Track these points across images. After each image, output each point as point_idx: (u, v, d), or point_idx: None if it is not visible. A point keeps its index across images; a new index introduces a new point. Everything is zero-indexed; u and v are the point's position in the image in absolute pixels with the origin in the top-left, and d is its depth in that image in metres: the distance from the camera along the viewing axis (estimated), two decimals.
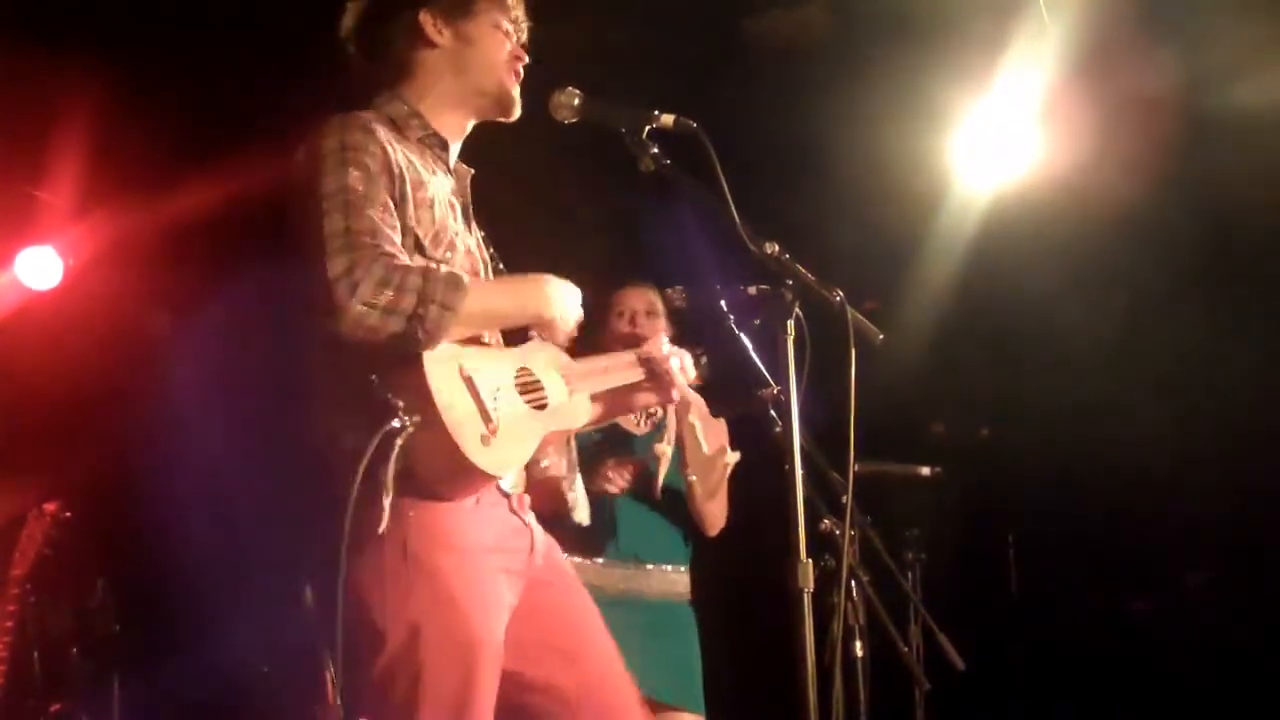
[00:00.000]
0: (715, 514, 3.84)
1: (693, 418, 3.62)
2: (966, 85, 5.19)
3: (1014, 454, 5.84)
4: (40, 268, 5.74)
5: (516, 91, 2.80)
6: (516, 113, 2.82)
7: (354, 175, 2.51)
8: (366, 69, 2.80)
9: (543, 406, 2.68)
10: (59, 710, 5.12)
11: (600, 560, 3.76)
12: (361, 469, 2.39)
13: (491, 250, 2.87)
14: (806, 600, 2.54)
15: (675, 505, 3.85)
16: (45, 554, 4.85)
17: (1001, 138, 5.32)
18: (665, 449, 3.65)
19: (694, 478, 3.70)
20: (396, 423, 2.39)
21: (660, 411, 3.79)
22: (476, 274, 2.72)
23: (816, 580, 2.56)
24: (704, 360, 3.44)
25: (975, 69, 5.12)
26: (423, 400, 2.43)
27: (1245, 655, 5.17)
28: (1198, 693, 5.19)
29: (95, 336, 5.71)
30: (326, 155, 2.53)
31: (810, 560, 2.55)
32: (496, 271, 2.85)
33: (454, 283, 2.48)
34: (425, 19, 2.74)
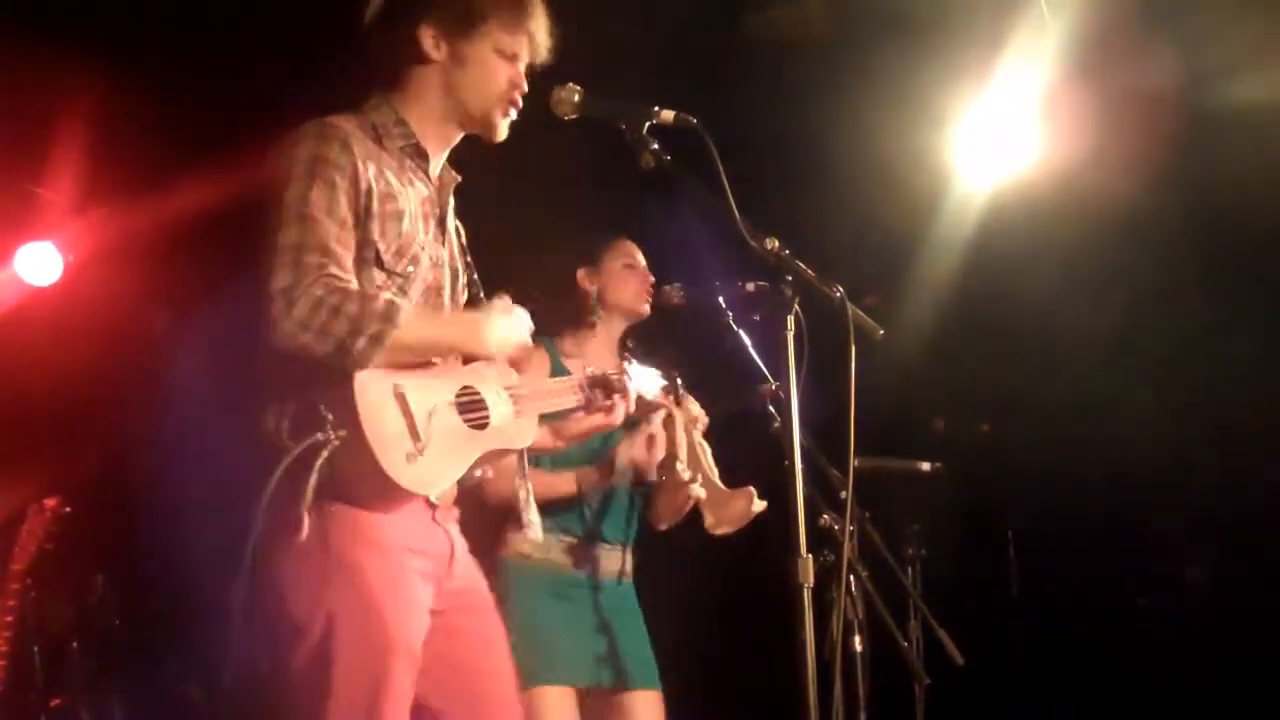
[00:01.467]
0: (673, 518, 3.81)
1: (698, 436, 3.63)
2: (966, 81, 5.19)
3: (1014, 450, 5.84)
4: (40, 264, 5.74)
5: (504, 125, 2.80)
6: (500, 139, 2.82)
7: (317, 189, 2.55)
8: (368, 69, 2.81)
9: (482, 426, 2.71)
10: (59, 705, 5.12)
11: (559, 538, 3.69)
12: (280, 470, 2.46)
13: (468, 259, 2.89)
14: (806, 595, 2.54)
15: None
16: (45, 549, 4.85)
17: (1001, 134, 5.32)
18: (698, 491, 3.62)
19: (701, 493, 3.66)
20: (321, 435, 2.46)
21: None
22: (439, 288, 2.77)
23: (816, 575, 2.57)
24: (677, 380, 3.46)
25: (975, 65, 5.12)
26: (350, 415, 2.48)
27: (1245, 651, 5.17)
28: (1197, 689, 5.20)
29: (95, 333, 5.71)
30: (295, 164, 2.57)
31: (810, 556, 2.56)
32: (470, 283, 2.88)
33: (389, 316, 2.52)
34: (425, 33, 2.73)
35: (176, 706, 5.40)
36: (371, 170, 2.63)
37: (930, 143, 5.38)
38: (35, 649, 5.05)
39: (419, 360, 2.64)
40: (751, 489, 3.59)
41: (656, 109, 2.68)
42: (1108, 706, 5.40)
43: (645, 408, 3.38)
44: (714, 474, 3.65)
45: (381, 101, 2.76)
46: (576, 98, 2.75)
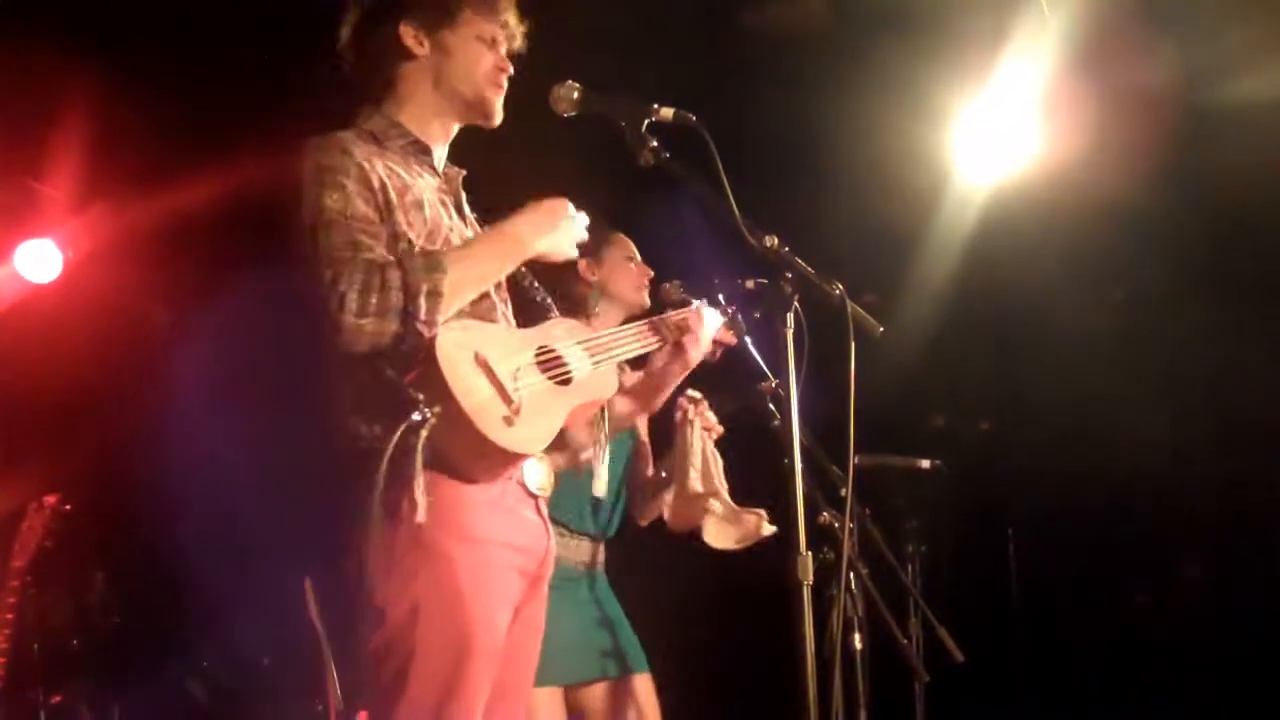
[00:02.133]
0: (653, 514, 3.84)
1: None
2: (966, 78, 5.18)
3: (1014, 447, 5.84)
4: (40, 261, 5.74)
5: (498, 102, 2.83)
6: (497, 121, 2.85)
7: (330, 196, 2.57)
8: (356, 81, 2.84)
9: (567, 381, 2.71)
10: (59, 703, 5.13)
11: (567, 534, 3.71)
12: (385, 463, 2.42)
13: None
14: (806, 593, 2.54)
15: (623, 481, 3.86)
16: (45, 546, 4.85)
17: (1001, 131, 5.32)
18: (715, 508, 3.60)
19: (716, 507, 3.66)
20: (418, 415, 2.43)
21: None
22: None
23: (816, 573, 2.56)
24: (736, 315, 3.45)
25: (975, 62, 5.11)
26: (440, 390, 2.46)
27: (1243, 648, 5.17)
28: (1196, 686, 5.20)
29: (95, 330, 5.71)
30: (303, 180, 2.60)
31: (810, 553, 2.56)
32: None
33: (433, 264, 2.53)
34: (405, 30, 2.77)
35: (177, 704, 5.40)
36: (380, 167, 2.65)
37: (930, 139, 5.38)
38: (35, 646, 5.05)
39: (480, 292, 2.66)
40: (762, 511, 3.59)
41: (655, 106, 2.68)
42: (1107, 703, 5.40)
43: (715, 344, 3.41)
44: (724, 488, 3.66)
45: (373, 112, 2.80)
46: (575, 95, 2.76)
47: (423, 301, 2.49)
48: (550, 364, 2.70)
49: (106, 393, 5.69)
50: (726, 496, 3.64)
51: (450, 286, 2.53)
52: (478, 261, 2.66)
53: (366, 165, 2.63)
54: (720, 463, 3.69)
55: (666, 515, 3.73)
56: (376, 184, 2.62)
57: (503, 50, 2.82)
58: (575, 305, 3.85)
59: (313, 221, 2.56)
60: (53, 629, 5.20)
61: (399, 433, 2.43)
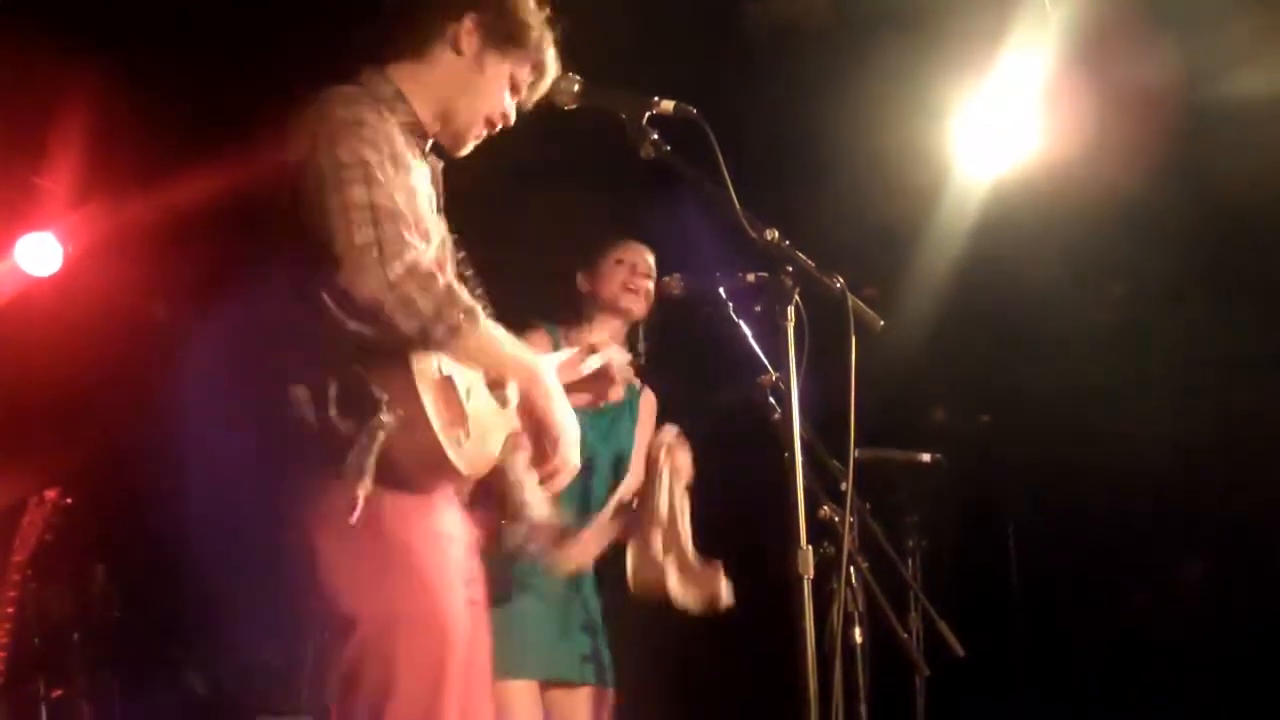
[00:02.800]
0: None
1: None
2: (966, 73, 5.18)
3: (1015, 441, 5.84)
4: (40, 254, 5.74)
5: (469, 147, 2.77)
6: (457, 155, 2.78)
7: (371, 154, 2.45)
8: (375, 34, 2.74)
9: (507, 403, 2.69)
10: (60, 696, 5.13)
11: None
12: (352, 456, 2.38)
13: (462, 253, 2.82)
14: (806, 587, 2.54)
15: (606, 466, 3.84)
16: (46, 540, 4.86)
17: (1002, 126, 5.31)
18: (671, 583, 3.56)
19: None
20: (384, 417, 2.39)
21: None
22: (442, 267, 2.65)
23: (816, 567, 2.57)
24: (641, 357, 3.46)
25: (975, 57, 5.11)
26: (409, 397, 2.42)
27: (1244, 644, 5.18)
28: (1196, 681, 5.20)
29: (95, 323, 5.71)
30: (339, 127, 2.47)
31: (810, 547, 2.56)
32: (461, 276, 2.75)
33: (472, 312, 2.46)
34: (468, 23, 2.69)
35: (177, 697, 5.41)
36: (399, 143, 2.57)
37: (930, 134, 5.37)
38: (36, 640, 5.06)
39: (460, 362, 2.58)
40: (720, 569, 3.57)
41: (656, 99, 2.68)
42: (1107, 698, 5.40)
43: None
44: (688, 542, 3.63)
45: (376, 73, 2.69)
46: (576, 87, 2.76)
47: (442, 330, 2.42)
48: (496, 383, 2.67)
49: (107, 386, 5.69)
50: (689, 550, 3.62)
51: (466, 341, 2.46)
52: (496, 352, 2.60)
53: (392, 134, 2.54)
54: (687, 513, 3.66)
55: (629, 579, 3.68)
56: (393, 153, 2.52)
57: (515, 98, 2.76)
58: (574, 315, 3.87)
59: (353, 169, 2.42)
60: (53, 623, 5.21)
61: (366, 430, 2.38)
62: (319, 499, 2.44)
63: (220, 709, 5.41)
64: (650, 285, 3.87)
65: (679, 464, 3.67)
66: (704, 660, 5.26)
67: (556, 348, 3.78)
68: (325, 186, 2.42)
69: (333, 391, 2.44)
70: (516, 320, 2.80)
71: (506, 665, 3.45)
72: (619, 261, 3.88)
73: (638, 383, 3.96)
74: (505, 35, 2.71)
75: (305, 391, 2.47)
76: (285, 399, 2.49)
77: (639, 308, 3.87)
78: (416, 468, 2.48)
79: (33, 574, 4.86)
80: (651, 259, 3.94)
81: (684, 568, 3.59)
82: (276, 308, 2.54)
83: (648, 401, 3.96)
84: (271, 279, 2.55)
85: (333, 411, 2.43)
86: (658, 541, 3.57)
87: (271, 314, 2.57)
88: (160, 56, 5.02)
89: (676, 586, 3.59)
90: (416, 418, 2.42)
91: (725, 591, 3.56)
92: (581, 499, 3.75)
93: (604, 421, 3.81)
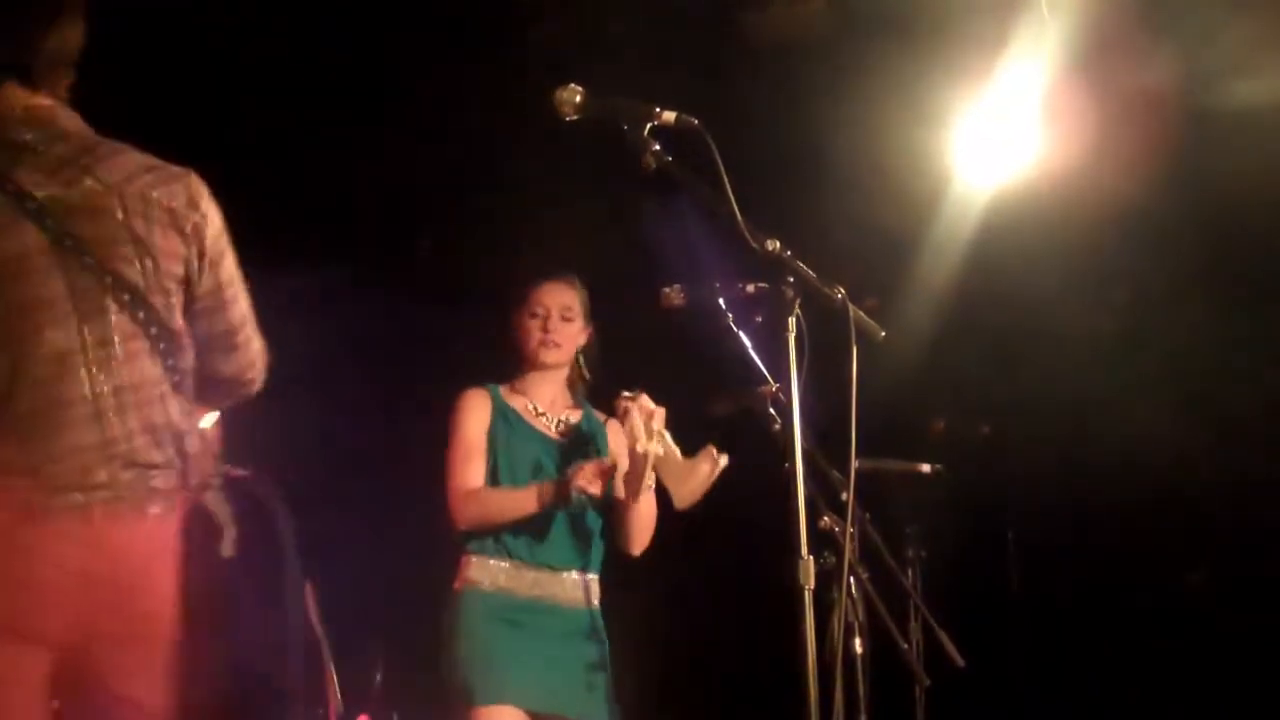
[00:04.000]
0: (643, 535, 3.83)
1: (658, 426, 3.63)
2: (967, 81, 5.18)
3: (1015, 451, 5.84)
4: None
5: None
6: None
7: None
8: None
9: None
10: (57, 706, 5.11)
11: (507, 564, 3.72)
12: None
13: None
14: (807, 597, 2.54)
15: (599, 513, 3.85)
16: None
17: (1002, 135, 5.31)
18: (655, 449, 3.62)
19: (646, 485, 3.67)
20: None
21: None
22: None
23: (817, 577, 2.56)
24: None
25: (975, 65, 5.11)
26: None
27: (1246, 658, 5.17)
28: (1198, 690, 5.19)
29: None
30: None
31: (811, 557, 2.55)
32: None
33: None
34: None
35: (176, 705, 5.38)
36: None
37: (931, 143, 5.37)
38: None
39: None
40: (711, 447, 3.60)
41: (658, 110, 2.67)
42: (1108, 707, 5.39)
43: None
44: (675, 451, 3.65)
45: None
46: (578, 98, 2.75)
47: None
48: None
49: None
50: (677, 454, 3.64)
51: None
52: None
53: None
54: (669, 436, 3.66)
55: (673, 496, 3.69)
56: None
57: None
58: (513, 370, 3.91)
59: None
60: None
61: None
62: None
63: (218, 715, 5.39)
64: (570, 327, 3.88)
65: (648, 407, 3.66)
66: (705, 671, 5.26)
67: (497, 406, 3.80)
68: None
69: None
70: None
71: (492, 690, 3.50)
72: (532, 315, 3.88)
73: (601, 417, 3.97)
74: None
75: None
76: None
77: (553, 358, 3.87)
78: None
79: None
80: (570, 295, 3.91)
81: (673, 466, 3.62)
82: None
83: (613, 428, 3.95)
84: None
85: None
86: (653, 447, 3.59)
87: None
88: (159, 54, 4.99)
89: (672, 485, 3.63)
90: None
91: (720, 459, 3.59)
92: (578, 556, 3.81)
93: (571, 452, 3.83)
